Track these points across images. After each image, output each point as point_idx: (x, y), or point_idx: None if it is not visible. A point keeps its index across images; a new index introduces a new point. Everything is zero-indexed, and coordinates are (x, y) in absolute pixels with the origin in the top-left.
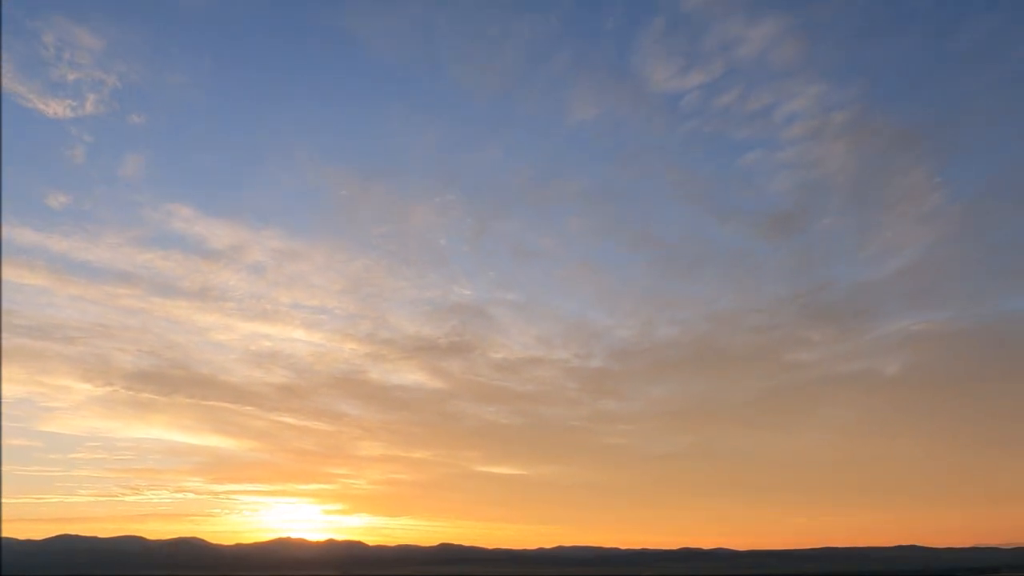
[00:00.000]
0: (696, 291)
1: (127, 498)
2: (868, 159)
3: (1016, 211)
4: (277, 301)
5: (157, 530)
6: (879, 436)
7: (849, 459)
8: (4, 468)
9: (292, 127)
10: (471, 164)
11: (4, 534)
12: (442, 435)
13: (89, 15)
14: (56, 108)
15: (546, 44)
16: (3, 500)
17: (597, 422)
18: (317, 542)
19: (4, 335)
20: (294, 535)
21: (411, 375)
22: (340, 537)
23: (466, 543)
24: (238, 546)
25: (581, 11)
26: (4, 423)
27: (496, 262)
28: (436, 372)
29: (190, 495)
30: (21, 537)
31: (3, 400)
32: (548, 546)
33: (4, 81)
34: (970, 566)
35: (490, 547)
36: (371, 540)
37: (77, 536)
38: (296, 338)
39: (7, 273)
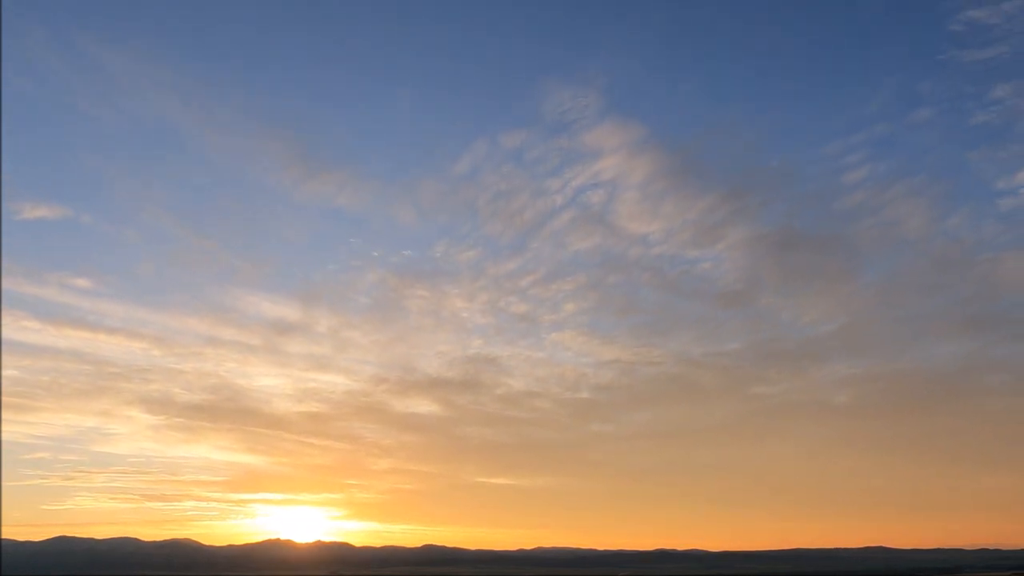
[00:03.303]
0: (670, 346)
1: (151, 504)
2: (794, 264)
3: (908, 297)
4: (329, 357)
5: (154, 532)
6: (836, 451)
7: (812, 470)
8: (41, 478)
9: (363, 253)
10: (494, 274)
11: (4, 535)
12: (447, 452)
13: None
14: (206, 244)
15: (552, 210)
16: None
17: (584, 441)
18: (306, 543)
19: (96, 381)
20: (283, 536)
21: (426, 406)
22: (329, 539)
23: (450, 544)
24: (229, 547)
25: (578, 193)
26: (66, 446)
27: (510, 330)
28: (447, 404)
29: (212, 503)
30: (20, 539)
31: (73, 428)
32: (528, 547)
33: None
34: (934, 566)
35: (473, 548)
36: (361, 542)
37: (75, 537)
38: (337, 381)
39: (122, 342)
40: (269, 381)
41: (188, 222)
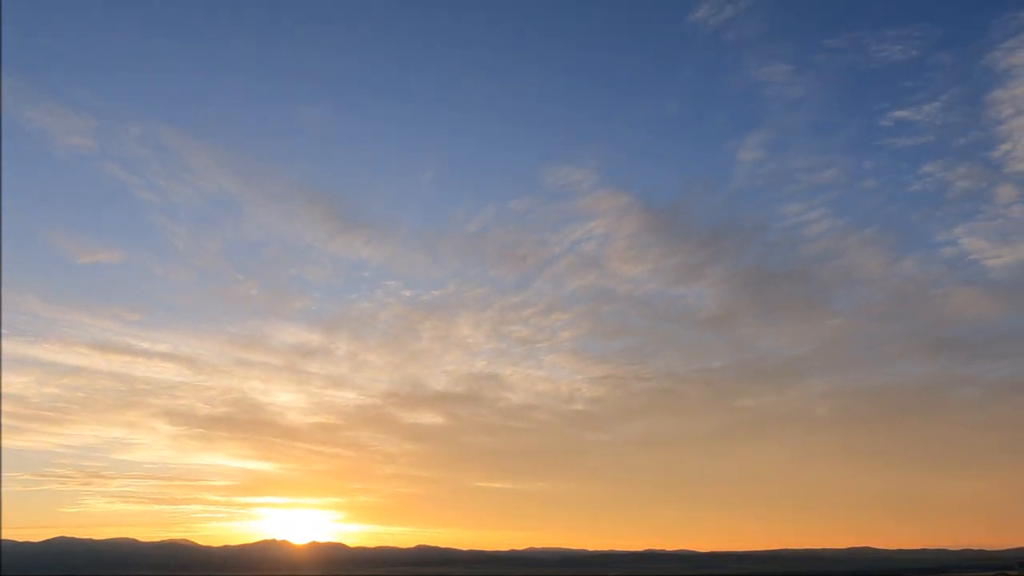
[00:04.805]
0: (658, 364)
1: (159, 507)
2: (769, 296)
3: (875, 324)
4: (345, 376)
5: (153, 533)
6: (818, 457)
7: (796, 474)
8: (59, 483)
9: (385, 291)
10: (499, 307)
11: (5, 536)
12: (449, 459)
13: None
14: (247, 284)
15: (551, 257)
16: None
17: (579, 449)
18: (300, 544)
19: (127, 397)
20: (279, 537)
21: (431, 418)
22: (324, 539)
23: (443, 545)
24: (225, 547)
25: (574, 244)
26: (88, 454)
27: (511, 352)
28: (451, 415)
29: (219, 506)
30: (20, 539)
31: (100, 438)
32: (519, 547)
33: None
34: (919, 567)
35: (465, 548)
36: (355, 543)
37: (74, 538)
38: (350, 397)
39: (157, 363)
40: (287, 397)
41: (232, 266)
